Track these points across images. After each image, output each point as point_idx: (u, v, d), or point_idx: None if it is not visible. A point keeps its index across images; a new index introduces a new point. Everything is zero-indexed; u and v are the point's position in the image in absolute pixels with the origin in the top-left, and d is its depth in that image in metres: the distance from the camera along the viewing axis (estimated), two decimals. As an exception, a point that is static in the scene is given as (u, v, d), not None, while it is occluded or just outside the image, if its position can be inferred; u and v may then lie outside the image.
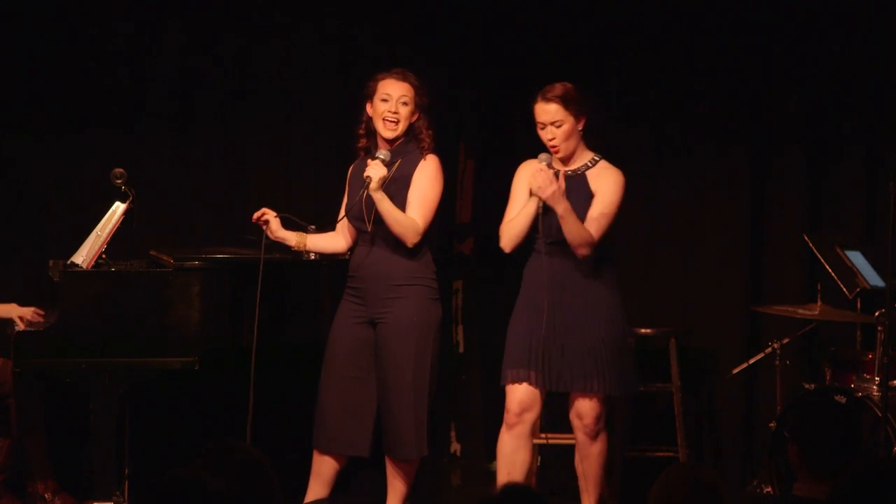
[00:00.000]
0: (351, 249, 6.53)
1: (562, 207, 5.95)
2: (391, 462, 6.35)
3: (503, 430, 6.18)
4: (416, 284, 6.23)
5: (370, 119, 6.31)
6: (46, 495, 6.54)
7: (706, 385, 7.72)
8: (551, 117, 6.05)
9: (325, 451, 6.38)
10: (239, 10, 7.70)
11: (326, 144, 7.67)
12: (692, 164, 7.77)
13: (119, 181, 6.52)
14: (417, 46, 7.72)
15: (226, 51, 7.70)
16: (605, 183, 6.09)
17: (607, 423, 6.23)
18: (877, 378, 6.61)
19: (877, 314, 6.60)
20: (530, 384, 6.09)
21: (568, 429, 6.32)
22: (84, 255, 6.48)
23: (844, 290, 7.03)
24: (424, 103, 6.29)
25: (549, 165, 6.04)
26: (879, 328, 6.59)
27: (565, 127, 6.05)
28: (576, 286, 6.04)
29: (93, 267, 6.46)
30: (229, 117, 7.73)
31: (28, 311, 6.57)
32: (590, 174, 6.12)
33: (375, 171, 6.16)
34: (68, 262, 6.52)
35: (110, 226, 6.50)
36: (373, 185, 6.14)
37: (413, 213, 6.20)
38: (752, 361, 7.24)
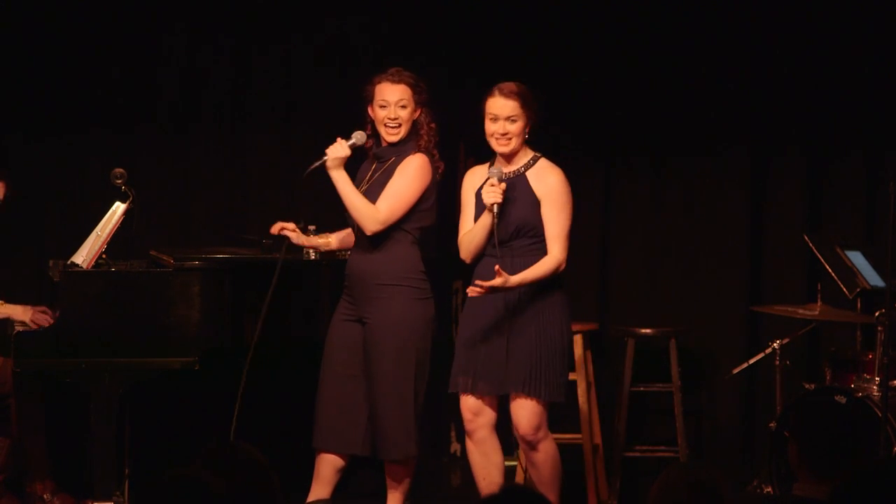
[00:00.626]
0: None
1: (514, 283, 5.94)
2: (385, 463, 6.36)
3: (466, 440, 6.18)
4: (400, 285, 6.22)
5: (373, 121, 6.33)
6: (46, 495, 6.54)
7: (706, 385, 7.73)
8: (508, 112, 6.04)
9: (324, 450, 6.39)
10: (239, 11, 7.70)
11: (326, 144, 7.65)
12: (692, 164, 7.77)
13: (119, 181, 6.52)
14: (417, 46, 7.71)
15: (226, 51, 7.71)
16: (551, 190, 6.03)
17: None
18: (877, 378, 6.60)
19: (877, 314, 6.60)
20: (472, 392, 6.08)
21: (563, 428, 6.29)
22: (84, 256, 6.48)
23: (844, 290, 7.03)
24: (424, 99, 6.31)
25: (502, 178, 6.03)
26: (879, 328, 6.59)
27: (519, 124, 6.05)
28: (518, 292, 6.01)
29: (93, 267, 6.46)
30: (229, 117, 7.74)
31: (27, 315, 6.54)
32: (530, 174, 6.08)
33: (335, 149, 6.21)
34: (68, 262, 6.52)
35: (110, 226, 6.50)
36: (329, 162, 6.18)
37: (380, 203, 6.21)
38: (752, 361, 7.24)
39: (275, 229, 6.41)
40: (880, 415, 6.36)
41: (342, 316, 6.34)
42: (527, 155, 6.12)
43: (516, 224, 6.01)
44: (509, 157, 6.10)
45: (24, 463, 6.59)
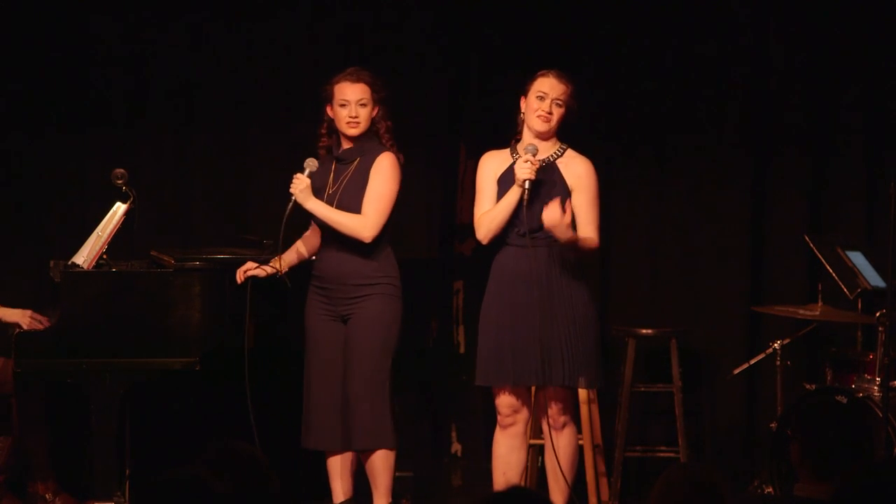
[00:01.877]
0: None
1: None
2: (365, 460, 6.38)
3: (497, 430, 6.18)
4: (379, 283, 6.29)
5: (332, 120, 6.39)
6: (47, 495, 6.54)
7: (707, 385, 7.72)
8: (558, 94, 6.14)
9: (321, 449, 6.41)
10: (239, 11, 7.70)
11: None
12: (693, 165, 7.77)
13: (120, 181, 6.53)
14: (418, 46, 7.72)
15: (226, 51, 7.70)
16: (582, 178, 6.12)
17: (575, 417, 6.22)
18: (877, 379, 6.60)
19: (878, 315, 6.60)
20: (515, 385, 6.09)
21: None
22: (85, 256, 6.48)
23: (845, 290, 7.03)
24: (382, 96, 6.38)
25: (536, 155, 6.08)
26: (880, 329, 6.59)
27: (563, 110, 6.14)
28: (549, 279, 6.04)
29: (94, 267, 6.46)
30: (229, 117, 7.74)
31: (25, 320, 6.52)
32: (560, 163, 6.15)
33: (297, 185, 6.28)
34: (69, 262, 6.52)
35: (111, 226, 6.50)
36: (298, 199, 6.25)
37: (366, 209, 6.28)
38: (752, 362, 7.24)
39: (240, 278, 6.39)
40: (881, 415, 6.36)
41: (321, 315, 6.35)
42: (555, 145, 6.18)
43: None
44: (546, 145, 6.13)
45: (25, 463, 6.59)
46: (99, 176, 6.89)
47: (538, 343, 5.98)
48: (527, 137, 6.18)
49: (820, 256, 7.09)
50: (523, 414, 6.16)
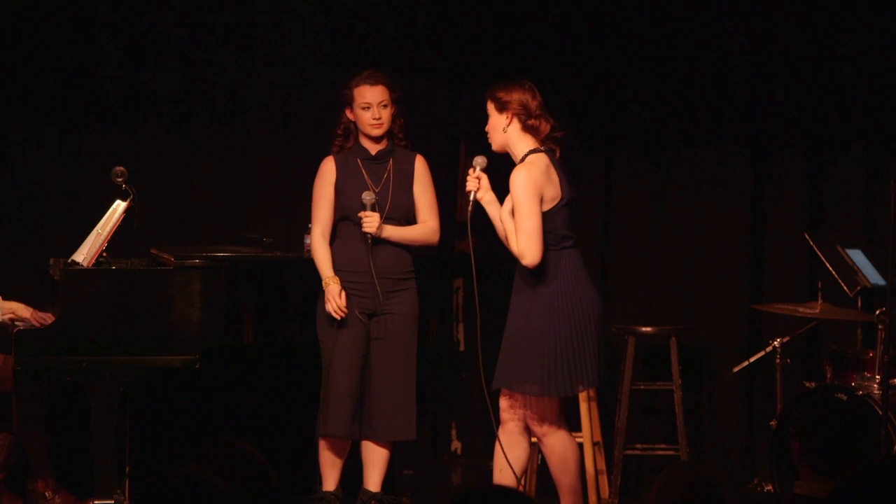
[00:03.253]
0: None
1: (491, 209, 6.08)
2: (381, 446, 6.53)
3: (500, 427, 6.20)
4: (411, 277, 6.58)
5: (350, 122, 6.55)
6: (47, 493, 6.54)
7: (707, 383, 7.73)
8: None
9: (336, 437, 6.48)
10: (239, 10, 7.70)
11: (326, 143, 7.65)
12: (693, 164, 7.77)
13: (120, 179, 6.53)
14: (418, 46, 7.72)
15: (226, 50, 7.70)
16: (511, 189, 5.97)
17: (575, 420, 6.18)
18: (877, 376, 6.61)
19: (877, 313, 6.60)
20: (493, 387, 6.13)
21: (574, 427, 6.28)
22: (85, 254, 6.48)
23: (845, 288, 7.03)
24: (397, 96, 6.58)
25: (484, 168, 6.07)
26: (880, 326, 6.59)
27: (491, 120, 6.08)
28: (518, 283, 6.03)
29: (93, 265, 6.46)
30: (229, 116, 7.74)
31: (28, 312, 6.53)
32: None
33: (371, 223, 6.41)
34: (69, 260, 6.53)
35: (111, 224, 6.50)
36: (376, 234, 6.41)
37: (427, 217, 6.60)
38: (752, 360, 7.24)
39: (343, 312, 6.41)
40: (881, 413, 6.36)
41: (355, 311, 6.46)
42: (523, 149, 6.05)
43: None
44: (514, 154, 6.09)
45: (25, 461, 6.59)
46: (99, 175, 6.89)
47: (503, 349, 6.05)
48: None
49: (820, 254, 7.10)
50: (517, 413, 6.14)
